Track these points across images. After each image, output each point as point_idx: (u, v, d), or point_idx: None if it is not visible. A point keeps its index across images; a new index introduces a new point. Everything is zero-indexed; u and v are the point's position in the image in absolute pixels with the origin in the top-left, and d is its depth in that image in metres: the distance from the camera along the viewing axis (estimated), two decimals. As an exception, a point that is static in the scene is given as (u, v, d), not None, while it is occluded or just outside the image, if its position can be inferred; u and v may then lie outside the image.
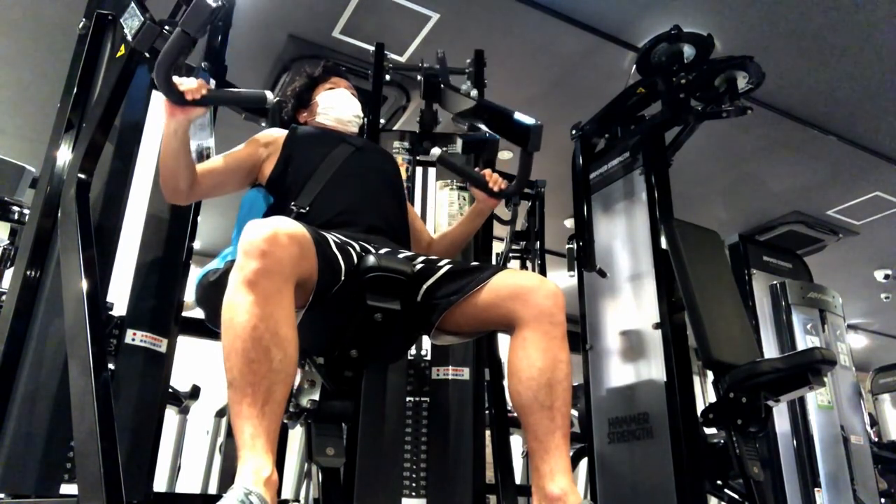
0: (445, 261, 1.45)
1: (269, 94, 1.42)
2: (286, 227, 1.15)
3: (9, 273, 2.31)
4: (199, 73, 2.01)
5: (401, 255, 1.42)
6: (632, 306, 2.40)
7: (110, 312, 1.65)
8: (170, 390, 2.06)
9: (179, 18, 1.31)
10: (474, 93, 1.97)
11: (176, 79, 1.36)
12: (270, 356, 1.06)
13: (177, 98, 1.36)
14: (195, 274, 1.84)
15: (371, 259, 1.28)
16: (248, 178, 1.70)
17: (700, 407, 2.07)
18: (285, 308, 1.11)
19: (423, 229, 1.94)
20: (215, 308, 1.14)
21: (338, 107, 1.84)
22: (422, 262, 1.43)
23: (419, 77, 2.19)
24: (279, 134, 1.74)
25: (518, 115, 1.52)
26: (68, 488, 1.48)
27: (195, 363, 2.91)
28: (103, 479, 1.12)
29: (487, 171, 1.71)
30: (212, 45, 2.17)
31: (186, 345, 2.07)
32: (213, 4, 1.29)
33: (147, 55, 1.68)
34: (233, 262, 1.17)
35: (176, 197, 1.56)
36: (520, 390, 1.25)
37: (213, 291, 1.30)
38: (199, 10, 1.29)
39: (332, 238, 1.32)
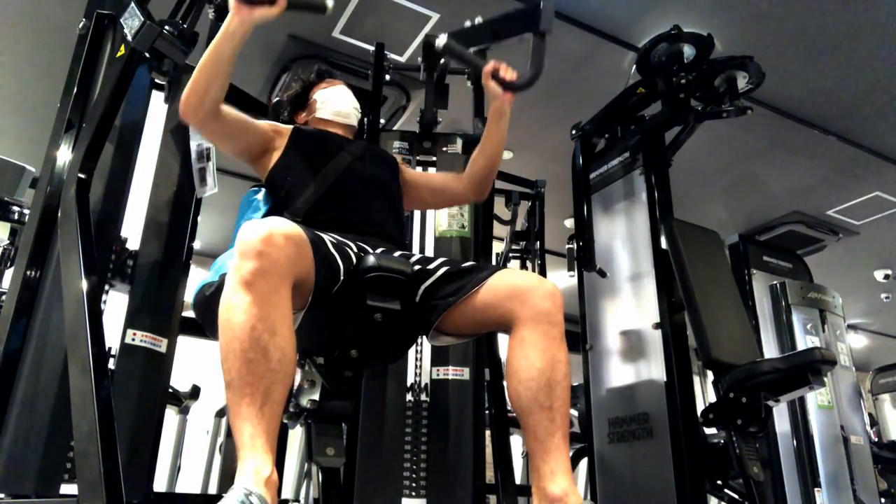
0: (442, 261, 1.45)
1: (330, 2, 1.39)
2: (282, 227, 1.15)
3: (9, 273, 2.31)
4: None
5: (397, 255, 1.42)
6: (632, 306, 2.40)
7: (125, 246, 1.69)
8: (170, 390, 2.06)
9: (173, 27, 1.29)
10: (478, 19, 1.83)
11: None
12: (268, 356, 1.06)
13: None
14: (195, 274, 1.85)
15: (371, 259, 1.29)
16: (251, 148, 1.68)
17: (700, 407, 2.07)
18: (282, 308, 1.11)
19: (448, 178, 1.90)
20: (214, 321, 1.13)
21: (336, 100, 1.85)
22: (418, 263, 1.43)
23: (419, 77, 2.18)
24: (287, 127, 1.75)
25: (521, 5, 1.47)
26: (68, 488, 1.48)
27: (195, 363, 2.90)
28: (103, 479, 1.12)
29: (493, 62, 1.57)
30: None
31: (186, 345, 2.07)
32: None
33: (147, 55, 1.68)
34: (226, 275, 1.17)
35: (196, 110, 1.50)
36: (519, 391, 1.25)
37: (209, 305, 1.30)
38: None
39: (328, 238, 1.32)
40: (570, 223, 4.44)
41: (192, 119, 1.54)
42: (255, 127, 1.67)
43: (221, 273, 1.35)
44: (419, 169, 2.29)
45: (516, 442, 2.98)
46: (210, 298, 1.34)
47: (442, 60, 2.21)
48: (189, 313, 1.86)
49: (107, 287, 1.69)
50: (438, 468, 1.92)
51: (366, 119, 2.24)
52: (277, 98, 1.99)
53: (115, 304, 1.71)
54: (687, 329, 2.18)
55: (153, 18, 1.64)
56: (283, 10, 1.42)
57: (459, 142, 2.32)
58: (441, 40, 1.58)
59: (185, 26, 1.70)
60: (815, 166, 4.09)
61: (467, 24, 1.65)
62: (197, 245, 2.05)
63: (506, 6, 2.93)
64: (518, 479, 2.84)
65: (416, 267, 1.41)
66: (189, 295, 1.61)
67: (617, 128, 2.72)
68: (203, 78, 1.47)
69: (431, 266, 1.43)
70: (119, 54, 1.73)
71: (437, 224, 2.22)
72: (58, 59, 2.78)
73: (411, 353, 2.05)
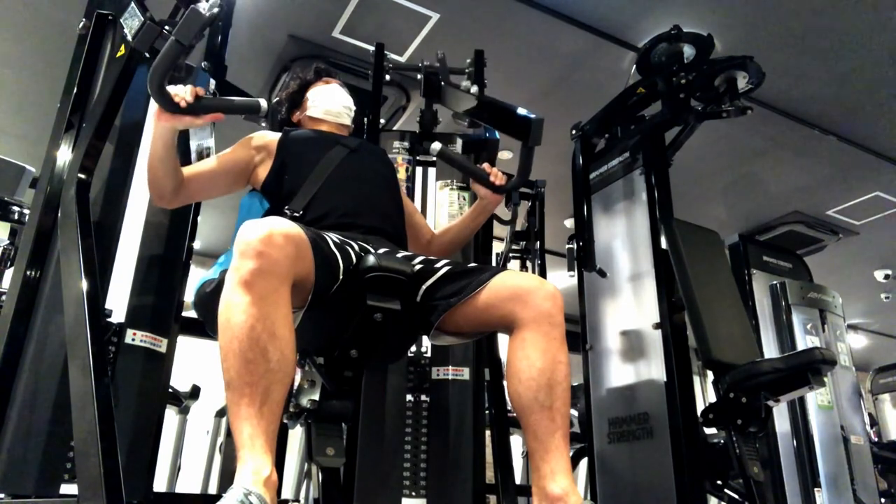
0: (444, 261, 1.45)
1: (263, 103, 1.41)
2: (281, 226, 1.15)
3: (9, 273, 2.31)
4: (199, 72, 2.01)
5: (399, 255, 1.42)
6: (632, 306, 2.40)
7: (109, 319, 1.65)
8: (170, 390, 2.06)
9: (173, 28, 1.31)
10: (475, 89, 1.97)
11: (170, 88, 1.36)
12: (268, 356, 1.06)
13: (169, 106, 1.37)
14: (195, 274, 1.85)
15: (371, 259, 1.28)
16: (238, 181, 1.70)
17: (700, 407, 2.07)
18: (282, 308, 1.11)
19: (423, 225, 1.94)
20: (214, 318, 1.13)
21: (327, 99, 1.85)
22: (420, 263, 1.43)
23: (419, 76, 2.19)
24: (272, 137, 1.73)
25: (519, 110, 1.52)
26: (68, 488, 1.48)
27: (195, 363, 2.91)
28: (103, 479, 1.12)
29: (487, 165, 1.71)
30: (212, 45, 2.17)
31: (186, 345, 2.07)
32: (205, 14, 1.29)
33: (147, 55, 1.68)
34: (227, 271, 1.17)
35: (161, 200, 1.57)
36: (519, 391, 1.25)
37: (209, 302, 1.30)
38: (191, 20, 1.30)
39: (329, 238, 1.32)
40: (570, 223, 4.44)
41: (165, 205, 1.60)
42: (229, 163, 1.67)
43: (221, 270, 1.35)
44: (419, 170, 2.30)
45: (516, 442, 2.98)
46: (210, 295, 1.34)
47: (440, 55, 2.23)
48: (189, 313, 1.86)
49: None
50: (438, 468, 1.92)
51: (366, 119, 2.24)
52: (277, 98, 1.99)
53: (115, 304, 1.71)
54: (687, 329, 2.18)
55: (153, 18, 1.64)
56: (212, 119, 1.44)
57: (459, 142, 2.32)
58: (436, 146, 1.67)
59: (184, 26, 1.70)
60: (815, 166, 4.09)
61: (463, 84, 1.76)
62: (197, 245, 2.05)
63: (506, 6, 2.95)
64: (518, 479, 2.84)
65: (419, 266, 1.41)
66: (189, 295, 1.61)
67: (617, 128, 2.72)
68: (152, 175, 1.52)
69: (433, 266, 1.43)
70: (119, 54, 1.73)
71: (437, 224, 2.22)
72: (58, 59, 2.78)
73: (411, 353, 2.05)
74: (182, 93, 1.38)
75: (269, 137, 1.73)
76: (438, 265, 1.43)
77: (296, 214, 1.52)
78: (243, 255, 1.11)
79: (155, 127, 1.46)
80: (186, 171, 1.58)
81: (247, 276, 1.09)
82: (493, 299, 1.33)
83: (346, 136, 1.80)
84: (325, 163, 1.64)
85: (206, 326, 1.40)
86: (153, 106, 1.90)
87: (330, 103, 1.84)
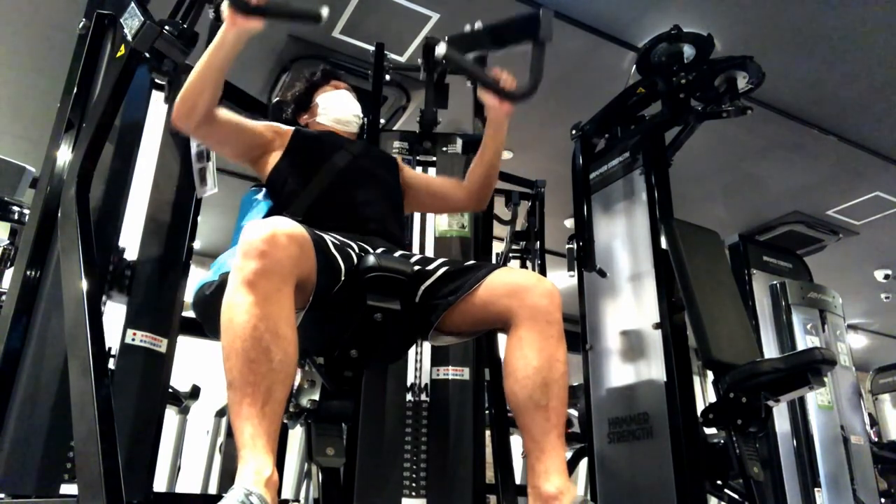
0: (441, 261, 1.45)
1: (325, 11, 1.37)
2: (285, 227, 1.15)
3: (9, 273, 2.31)
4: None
5: (397, 255, 1.42)
6: (632, 306, 2.40)
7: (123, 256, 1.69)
8: (170, 390, 2.06)
9: (173, 28, 1.28)
10: (478, 24, 1.82)
11: None
12: (270, 356, 1.06)
13: (242, 6, 1.33)
14: (195, 274, 1.85)
15: (371, 259, 1.29)
16: (249, 152, 1.68)
17: (700, 407, 2.07)
18: (285, 308, 1.11)
19: (448, 184, 1.88)
20: (213, 320, 1.13)
21: (337, 107, 1.84)
22: (418, 264, 1.43)
23: (420, 69, 2.17)
24: (287, 129, 1.75)
25: (520, 12, 1.45)
26: (68, 488, 1.47)
27: (195, 363, 2.91)
28: (103, 479, 1.12)
29: (498, 70, 1.56)
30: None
31: (186, 345, 2.07)
32: None
33: (147, 55, 1.68)
34: (227, 274, 1.17)
35: (187, 119, 1.51)
36: (515, 389, 1.25)
37: (209, 304, 1.30)
38: None
39: (330, 239, 1.32)
40: (570, 223, 4.44)
41: (183, 126, 1.54)
42: (251, 130, 1.67)
43: (221, 272, 1.35)
44: (419, 169, 2.29)
45: (516, 442, 2.98)
46: (210, 298, 1.34)
47: (444, 62, 2.21)
48: (189, 313, 1.86)
49: (104, 298, 1.68)
50: (438, 468, 1.92)
51: (366, 119, 2.24)
52: (279, 98, 1.99)
53: (115, 304, 1.71)
54: (687, 329, 2.18)
55: (153, 18, 1.64)
56: (277, 20, 1.41)
57: (459, 142, 2.32)
58: (441, 49, 1.56)
59: (185, 26, 1.70)
60: (815, 166, 4.09)
61: (467, 28, 1.65)
62: (197, 245, 2.05)
63: (507, 6, 2.95)
64: (518, 479, 2.84)
65: (416, 267, 1.41)
66: (189, 295, 1.61)
67: (617, 128, 2.72)
68: (195, 86, 1.48)
69: (431, 266, 1.43)
70: (119, 54, 1.73)
71: (437, 224, 2.22)
72: (58, 59, 2.78)
73: (411, 353, 2.05)
74: None
75: (285, 128, 1.75)
76: (437, 265, 1.43)
77: (297, 219, 1.52)
78: (246, 255, 1.11)
79: (223, 35, 1.41)
80: (220, 112, 1.56)
81: (250, 276, 1.09)
82: (491, 296, 1.33)
83: (352, 142, 1.81)
84: (329, 167, 1.65)
85: (205, 328, 1.41)
86: (153, 106, 1.91)
87: (341, 111, 1.84)
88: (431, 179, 1.90)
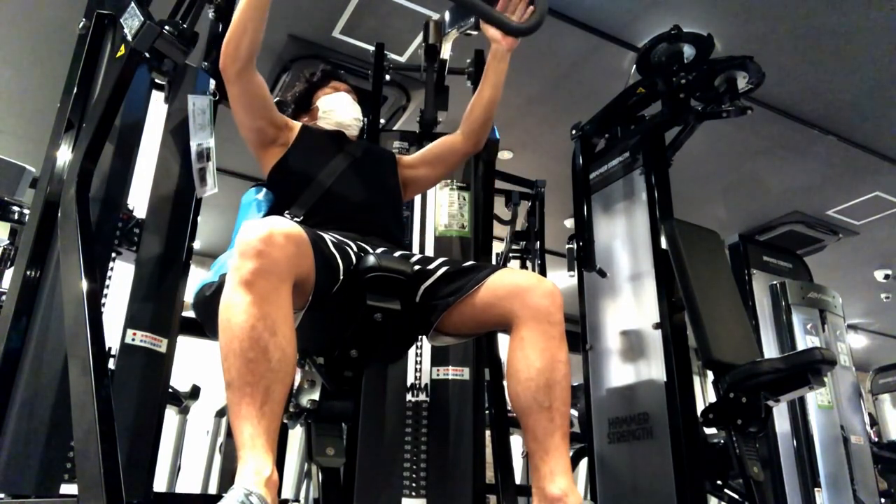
0: (441, 261, 1.45)
1: None
2: (282, 226, 1.15)
3: (9, 273, 2.31)
4: (199, 73, 2.01)
5: (397, 255, 1.42)
6: (632, 306, 2.41)
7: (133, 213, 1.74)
8: (170, 390, 2.06)
9: (173, 27, 1.26)
10: None
11: None
12: (269, 356, 1.06)
13: None
14: (195, 274, 1.85)
15: (371, 259, 1.29)
16: (264, 129, 1.69)
17: (700, 407, 2.07)
18: (283, 308, 1.11)
19: (448, 138, 1.88)
20: (214, 320, 1.13)
21: (338, 110, 1.84)
22: (418, 263, 1.43)
23: (420, 69, 2.16)
24: (297, 124, 1.78)
25: None
26: (68, 488, 1.47)
27: (195, 363, 2.91)
28: (103, 479, 1.12)
29: (502, 2, 1.53)
30: (212, 45, 2.17)
31: (186, 345, 2.07)
32: None
33: (147, 55, 1.68)
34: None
35: (234, 59, 1.54)
36: (518, 391, 1.25)
37: (210, 304, 1.30)
38: None
39: (328, 238, 1.32)
40: (570, 223, 4.44)
41: (229, 68, 1.57)
42: (274, 110, 1.71)
43: (221, 273, 1.35)
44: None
45: (516, 442, 2.98)
46: (210, 298, 1.34)
47: (442, 57, 2.20)
48: (189, 313, 1.86)
49: (113, 255, 1.72)
50: (438, 468, 1.92)
51: (366, 119, 2.24)
52: (279, 98, 1.99)
53: (115, 304, 1.71)
54: (687, 329, 2.18)
55: (153, 18, 1.64)
56: None
57: (459, 141, 2.32)
58: None
59: (185, 26, 1.70)
60: (815, 166, 4.09)
61: None
62: (197, 245, 2.05)
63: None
64: (518, 479, 2.84)
65: (416, 267, 1.41)
66: (189, 295, 1.61)
67: (617, 128, 2.73)
68: (237, 27, 1.51)
69: (431, 266, 1.43)
70: (119, 54, 1.73)
71: (437, 224, 2.22)
72: (58, 59, 2.78)
73: (411, 353, 2.05)
74: None
75: (294, 123, 1.78)
76: (436, 265, 1.43)
77: (297, 219, 1.52)
78: (244, 254, 1.11)
79: None
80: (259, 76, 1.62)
81: (247, 275, 1.09)
82: (491, 297, 1.33)
83: (352, 142, 1.81)
84: (330, 168, 1.65)
85: (205, 329, 1.41)
86: (153, 106, 1.91)
87: (341, 115, 1.84)
88: (425, 151, 1.88)
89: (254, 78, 1.61)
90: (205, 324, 1.41)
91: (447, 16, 1.52)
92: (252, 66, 1.58)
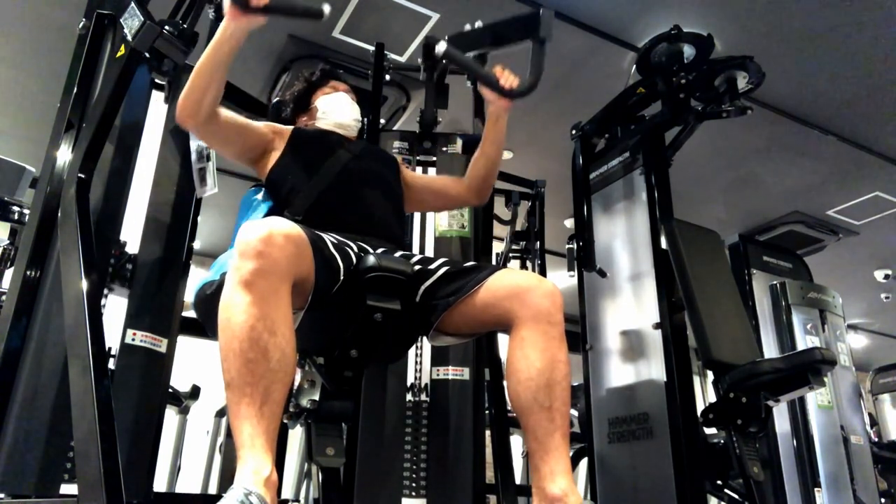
0: (442, 261, 1.45)
1: (326, 8, 1.39)
2: (282, 227, 1.15)
3: (9, 273, 2.31)
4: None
5: (397, 255, 1.42)
6: (632, 306, 2.40)
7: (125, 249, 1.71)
8: (170, 390, 2.06)
9: (173, 27, 1.27)
10: (478, 23, 1.82)
11: None
12: (268, 356, 1.06)
13: (242, 1, 1.33)
14: (195, 274, 1.85)
15: (371, 259, 1.29)
16: (250, 151, 1.69)
17: (700, 407, 2.07)
18: (282, 308, 1.11)
19: (449, 182, 1.90)
20: (214, 320, 1.13)
21: (337, 111, 1.84)
22: (418, 263, 1.43)
23: (420, 69, 2.16)
24: (287, 128, 1.75)
25: (521, 11, 1.46)
26: (68, 488, 1.47)
27: (195, 363, 2.91)
28: (103, 479, 1.12)
29: (498, 68, 1.57)
30: (211, 45, 2.17)
31: (186, 345, 2.07)
32: None
33: (147, 55, 1.68)
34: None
35: (193, 115, 1.50)
36: (518, 391, 1.25)
37: (210, 304, 1.30)
38: None
39: (328, 238, 1.32)
40: (570, 223, 4.44)
41: (188, 123, 1.54)
42: (253, 129, 1.67)
43: (222, 272, 1.35)
44: (419, 170, 2.29)
45: (516, 442, 2.98)
46: (210, 297, 1.34)
47: (443, 60, 2.21)
48: (189, 313, 1.87)
49: (105, 291, 1.69)
50: (438, 468, 1.92)
51: (366, 119, 2.24)
52: (278, 98, 1.99)
53: (115, 304, 1.71)
54: (687, 329, 2.18)
55: (153, 18, 1.64)
56: (277, 16, 1.41)
57: (459, 142, 2.32)
58: (441, 47, 1.57)
59: (185, 26, 1.71)
60: (815, 166, 4.09)
61: (467, 27, 1.66)
62: (197, 245, 2.05)
63: (507, 6, 2.95)
64: (518, 479, 2.84)
65: (417, 267, 1.41)
66: (189, 295, 1.61)
67: (617, 128, 2.72)
68: (199, 83, 1.47)
69: (432, 266, 1.43)
70: (119, 54, 1.73)
71: (437, 224, 2.22)
72: (58, 59, 2.78)
73: (411, 353, 2.05)
74: None
75: (285, 128, 1.76)
76: (437, 265, 1.43)
77: (297, 218, 1.52)
78: (243, 255, 1.11)
79: (225, 28, 1.41)
80: (223, 111, 1.57)
81: (247, 275, 1.09)
82: (492, 298, 1.33)
83: (352, 141, 1.80)
84: (328, 168, 1.64)
85: (206, 328, 1.41)
86: (153, 106, 1.91)
87: (340, 116, 1.83)
88: (432, 178, 1.91)
89: (217, 119, 1.56)
90: (205, 322, 1.41)
91: (442, 46, 1.56)
92: (214, 115, 1.54)
